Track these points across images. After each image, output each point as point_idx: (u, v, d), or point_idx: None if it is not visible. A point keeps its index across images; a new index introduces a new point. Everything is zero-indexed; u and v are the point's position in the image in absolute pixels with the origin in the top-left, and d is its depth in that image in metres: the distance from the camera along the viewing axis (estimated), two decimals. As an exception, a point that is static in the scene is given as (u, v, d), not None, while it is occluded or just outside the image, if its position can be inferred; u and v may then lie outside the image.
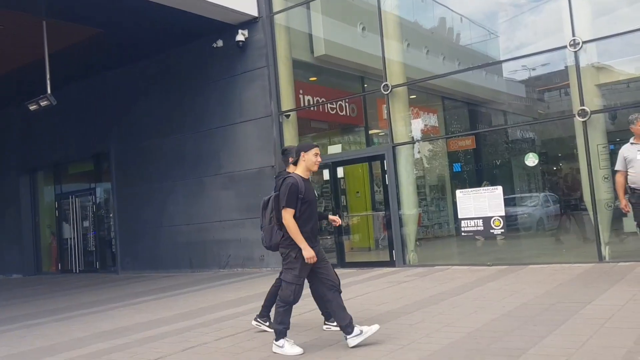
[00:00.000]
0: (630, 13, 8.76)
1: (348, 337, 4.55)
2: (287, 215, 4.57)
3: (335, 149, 12.00)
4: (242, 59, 12.02)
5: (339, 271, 10.07)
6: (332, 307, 4.67)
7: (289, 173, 4.92)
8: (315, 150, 4.81)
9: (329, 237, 11.58)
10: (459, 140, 12.17)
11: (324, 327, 5.34)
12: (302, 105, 12.14)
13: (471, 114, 14.55)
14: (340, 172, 11.26)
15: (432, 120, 13.76)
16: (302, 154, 4.77)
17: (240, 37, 11.70)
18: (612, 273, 7.08)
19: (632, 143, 6.06)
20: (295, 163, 4.89)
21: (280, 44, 11.80)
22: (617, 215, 8.29)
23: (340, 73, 13.15)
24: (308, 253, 4.54)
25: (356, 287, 8.01)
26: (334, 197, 11.18)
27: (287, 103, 11.80)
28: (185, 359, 4.82)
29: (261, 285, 9.32)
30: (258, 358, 4.57)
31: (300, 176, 4.73)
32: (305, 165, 4.78)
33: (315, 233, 4.78)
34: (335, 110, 12.55)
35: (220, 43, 12.18)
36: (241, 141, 12.18)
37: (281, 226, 4.70)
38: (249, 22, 11.81)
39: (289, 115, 11.73)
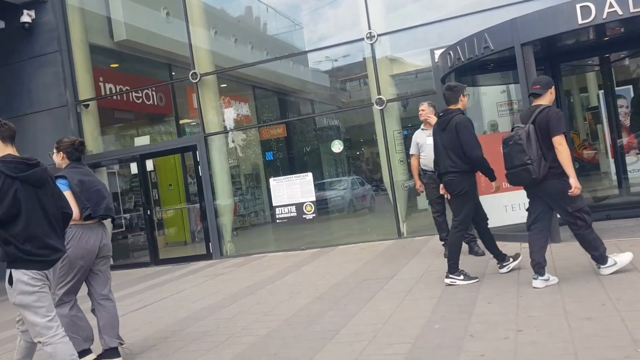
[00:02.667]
0: (417, 9, 9.62)
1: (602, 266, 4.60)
2: (564, 142, 4.38)
3: (143, 140, 11.32)
4: (30, 42, 10.69)
5: (152, 270, 9.69)
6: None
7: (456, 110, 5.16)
8: None
9: (140, 233, 10.95)
10: (271, 129, 12.36)
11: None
12: (102, 94, 11.23)
13: (281, 103, 14.86)
14: (150, 164, 10.66)
15: (244, 109, 13.75)
16: None
17: (26, 17, 10.40)
18: (410, 247, 7.76)
19: (422, 129, 6.65)
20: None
21: (74, 27, 10.75)
22: (412, 195, 9.11)
23: (145, 60, 12.42)
24: (576, 183, 4.37)
25: (171, 285, 7.68)
26: (144, 192, 10.56)
27: (85, 92, 10.82)
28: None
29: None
30: None
31: None
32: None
33: None
34: (141, 99, 11.83)
35: (1, 24, 10.68)
36: (32, 135, 10.82)
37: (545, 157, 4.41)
38: (36, 2, 10.53)
39: (88, 104, 10.78)
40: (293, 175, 9.77)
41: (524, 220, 4.84)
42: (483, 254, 6.24)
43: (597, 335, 3.32)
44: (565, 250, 5.74)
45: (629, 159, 8.63)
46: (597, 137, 9.79)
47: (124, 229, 11.51)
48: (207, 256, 9.85)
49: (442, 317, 4.13)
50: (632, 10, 5.80)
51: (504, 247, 5.69)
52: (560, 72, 8.20)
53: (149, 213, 10.40)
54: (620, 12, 5.85)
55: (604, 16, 5.90)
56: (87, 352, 4.18)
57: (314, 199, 9.44)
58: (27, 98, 10.78)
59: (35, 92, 10.77)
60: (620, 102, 9.05)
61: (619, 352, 3.01)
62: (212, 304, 5.89)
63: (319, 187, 11.25)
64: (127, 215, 11.66)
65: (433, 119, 6.43)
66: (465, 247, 6.52)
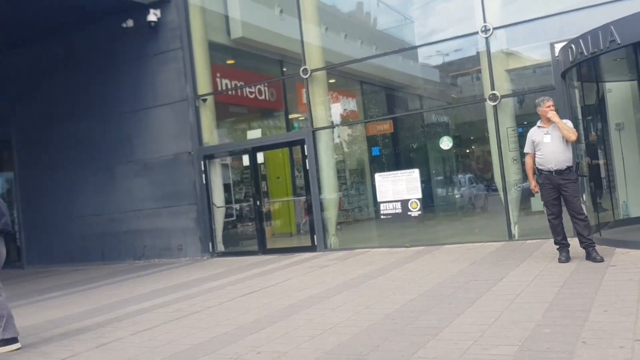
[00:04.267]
0: (536, 1, 9.14)
1: None
2: None
3: (254, 134, 11.80)
4: (155, 40, 11.51)
5: (260, 258, 10.09)
6: None
7: None
8: None
9: (249, 223, 11.42)
10: (377, 124, 12.35)
11: None
12: (219, 89, 11.83)
13: (389, 98, 14.80)
14: (260, 157, 11.09)
15: (351, 104, 13.86)
16: None
17: (152, 16, 11.20)
18: (521, 250, 7.44)
19: (539, 126, 6.33)
20: None
21: (195, 25, 11.40)
22: (525, 195, 8.71)
23: (258, 56, 12.91)
24: None
25: (278, 274, 7.95)
26: (254, 183, 11.01)
27: (203, 87, 11.45)
28: (100, 356, 4.56)
29: (179, 275, 9.06)
30: (174, 352, 4.39)
31: None
32: None
33: None
34: (254, 95, 12.33)
35: (130, 23, 11.59)
36: (155, 126, 11.72)
37: None
38: (161, 2, 11.31)
39: (206, 99, 11.40)
40: (399, 171, 9.71)
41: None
42: (602, 260, 5.85)
43: None
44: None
45: None
46: None
47: (234, 218, 12.06)
48: (312, 248, 10.07)
49: (553, 322, 3.93)
50: None
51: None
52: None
53: (258, 204, 10.82)
54: None
55: None
56: None
57: (420, 195, 9.32)
58: (151, 92, 11.63)
59: (159, 87, 11.58)
60: None
61: None
62: (316, 294, 6.03)
63: (426, 184, 11.11)
64: (237, 206, 12.21)
65: (556, 117, 6.12)
66: (582, 252, 6.16)
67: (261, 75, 13.12)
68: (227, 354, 4.14)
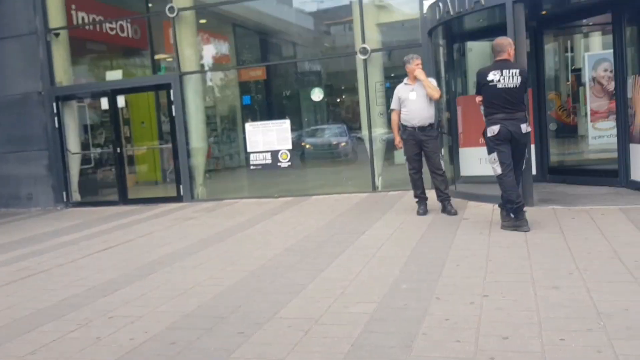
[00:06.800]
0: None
1: None
2: None
3: (115, 74, 10.85)
4: (-4, -39, 10.03)
5: (120, 209, 9.53)
6: None
7: None
8: None
9: (110, 171, 10.69)
10: (250, 70, 12.02)
11: None
12: (75, 23, 10.68)
13: (262, 44, 14.38)
14: (121, 100, 10.27)
15: (223, 48, 13.28)
16: None
17: None
18: (384, 202, 7.72)
19: (405, 84, 6.46)
20: None
21: (44, -52, 10.07)
22: (390, 148, 8.99)
23: (120, -12, 11.81)
24: None
25: (139, 227, 7.54)
26: (114, 128, 10.22)
27: (56, 19, 10.28)
28: None
29: (27, 228, 8.28)
30: (14, 318, 3.97)
31: None
32: None
33: None
34: (115, 31, 11.29)
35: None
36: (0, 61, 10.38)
37: None
38: None
39: (59, 33, 10.25)
40: (270, 122, 9.53)
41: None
42: (456, 214, 6.23)
43: (561, 305, 3.31)
44: (537, 216, 5.74)
45: (608, 123, 8.60)
46: (578, 100, 9.70)
47: (92, 164, 11.22)
48: (178, 198, 9.69)
49: (410, 278, 4.10)
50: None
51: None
52: (544, 34, 8.05)
53: (118, 150, 10.11)
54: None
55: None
56: None
57: (290, 147, 9.26)
58: (-7, 22, 10.21)
59: (3, 17, 10.20)
60: (605, 65, 8.93)
61: (582, 323, 3.01)
62: (179, 250, 5.79)
63: (297, 133, 11.06)
64: (97, 152, 11.35)
65: (422, 74, 6.26)
66: (438, 205, 6.50)
67: (124, 11, 12.02)
68: (75, 319, 3.82)
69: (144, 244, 6.29)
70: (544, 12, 7.79)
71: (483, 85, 5.33)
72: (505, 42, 5.39)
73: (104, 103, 10.23)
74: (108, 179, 10.80)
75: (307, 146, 12.10)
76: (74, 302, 4.25)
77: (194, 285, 4.41)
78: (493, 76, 5.25)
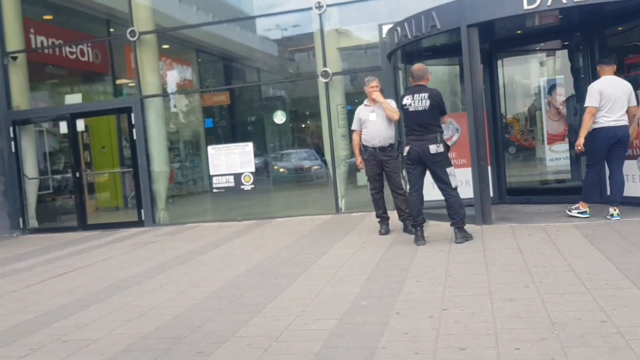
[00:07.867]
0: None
1: None
2: None
3: (74, 98, 10.71)
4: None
5: (79, 235, 9.30)
6: None
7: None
8: None
9: (69, 197, 10.45)
10: (214, 95, 12.00)
11: None
12: (33, 46, 10.54)
13: (226, 69, 14.45)
14: (81, 124, 10.12)
15: (186, 73, 13.28)
16: None
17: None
18: (346, 223, 7.75)
19: (365, 105, 6.57)
20: None
21: (2, -29, 9.97)
22: (352, 170, 9.08)
23: (82, 14, 11.72)
24: None
25: (97, 252, 7.37)
26: (73, 153, 10.03)
27: (13, 43, 10.14)
28: None
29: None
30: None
31: None
32: None
33: None
34: (75, 55, 11.19)
35: None
36: (-48, 85, 10.13)
37: None
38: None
39: (16, 57, 10.11)
40: (232, 144, 9.53)
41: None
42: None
43: (517, 316, 3.37)
44: (496, 233, 5.85)
45: (562, 146, 8.88)
46: (535, 123, 10.02)
47: (51, 191, 10.96)
48: (139, 223, 9.53)
49: (370, 294, 4.11)
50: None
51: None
52: (498, 58, 8.32)
53: (77, 175, 9.92)
54: (564, 1, 5.91)
55: (549, 3, 5.94)
56: None
57: (253, 169, 9.25)
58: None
59: (-44, 39, 10.00)
60: (559, 90, 9.26)
61: (537, 333, 3.06)
62: (138, 273, 5.68)
63: (261, 157, 11.06)
64: (56, 177, 11.10)
65: (380, 97, 6.38)
66: (400, 224, 6.57)
67: (84, 35, 11.96)
68: (28, 344, 3.69)
69: (102, 269, 6.14)
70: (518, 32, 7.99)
71: (401, 109, 5.81)
72: (425, 69, 5.77)
73: (63, 127, 10.06)
74: (67, 205, 10.56)
75: (281, 170, 12.14)
76: (27, 327, 4.12)
77: (152, 307, 4.33)
78: (406, 100, 5.68)
